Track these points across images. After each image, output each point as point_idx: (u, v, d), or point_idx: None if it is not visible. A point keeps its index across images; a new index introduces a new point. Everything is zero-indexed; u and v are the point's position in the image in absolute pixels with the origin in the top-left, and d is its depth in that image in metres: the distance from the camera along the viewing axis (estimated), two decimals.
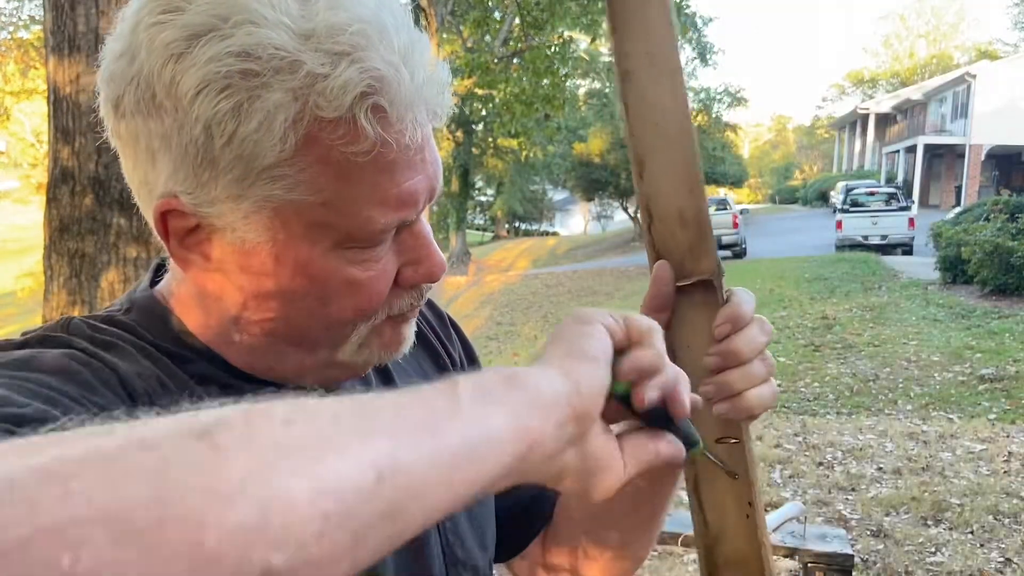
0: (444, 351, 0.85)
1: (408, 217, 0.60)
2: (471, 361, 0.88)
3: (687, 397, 0.55)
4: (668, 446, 0.55)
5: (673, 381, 0.54)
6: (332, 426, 0.36)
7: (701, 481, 0.69)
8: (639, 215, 0.67)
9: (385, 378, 0.77)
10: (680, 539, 2.71)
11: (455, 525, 0.76)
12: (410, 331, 0.68)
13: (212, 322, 0.64)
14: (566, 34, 10.27)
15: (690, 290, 0.66)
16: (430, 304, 0.86)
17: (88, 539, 0.27)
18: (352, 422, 0.37)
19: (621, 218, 36.56)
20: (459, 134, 25.10)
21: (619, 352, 0.53)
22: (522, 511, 0.88)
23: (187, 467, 0.31)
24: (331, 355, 0.65)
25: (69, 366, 0.56)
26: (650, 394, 0.53)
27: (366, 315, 0.63)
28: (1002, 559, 3.73)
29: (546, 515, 0.88)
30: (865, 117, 43.27)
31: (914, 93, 38.56)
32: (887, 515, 4.26)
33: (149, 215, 0.61)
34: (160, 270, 0.71)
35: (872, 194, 21.28)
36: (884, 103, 42.26)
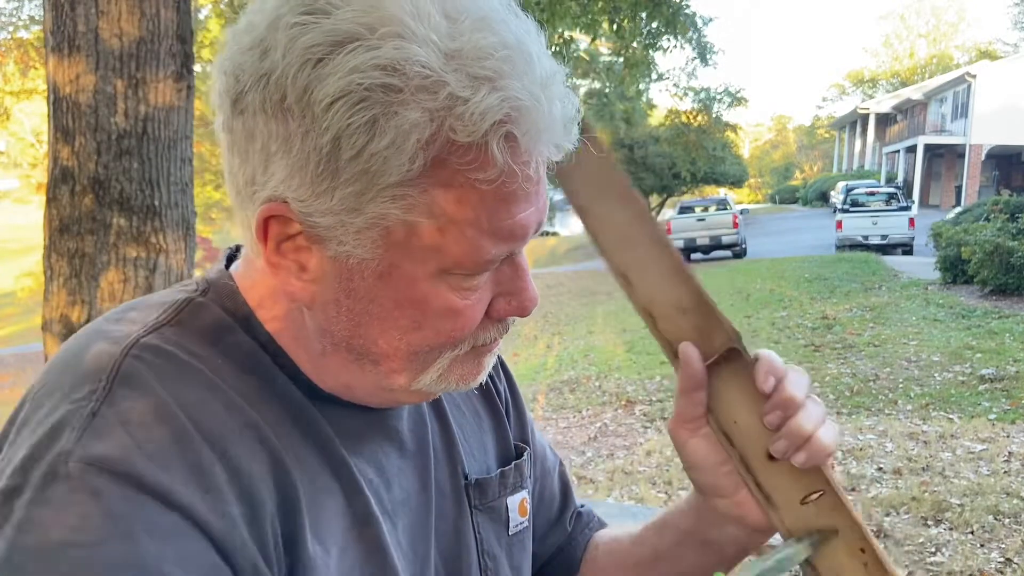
0: (495, 386, 0.84)
1: (516, 248, 0.60)
2: (513, 395, 0.87)
3: None
4: None
5: None
6: None
7: (815, 557, 0.66)
8: (643, 320, 0.68)
9: (435, 404, 0.77)
10: None
11: (497, 567, 0.76)
12: (489, 363, 0.67)
13: (294, 330, 0.62)
14: (566, 34, 10.26)
15: (717, 365, 0.66)
16: None
17: None
18: None
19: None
20: None
21: None
22: (550, 559, 0.90)
23: None
24: (410, 380, 0.62)
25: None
26: None
27: (454, 344, 0.61)
28: (1002, 559, 3.73)
29: (576, 562, 0.89)
30: (865, 117, 43.26)
31: (914, 93, 38.54)
32: (887, 515, 4.26)
33: (248, 215, 0.59)
34: (229, 261, 0.69)
35: (872, 194, 21.28)
36: (884, 103, 42.25)
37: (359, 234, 0.55)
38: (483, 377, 0.66)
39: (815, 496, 0.65)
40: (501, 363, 0.86)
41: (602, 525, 0.93)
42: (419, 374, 0.62)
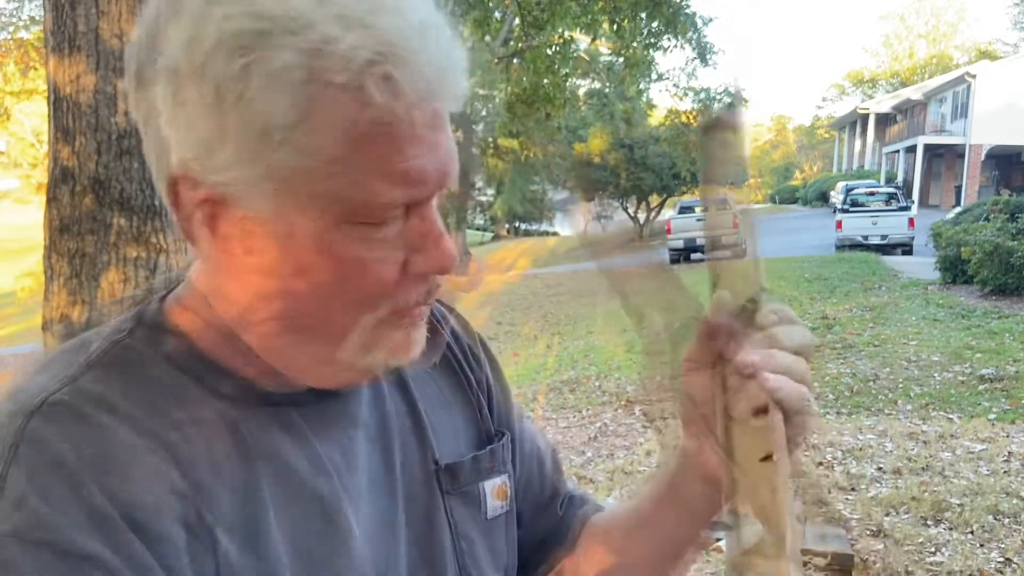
0: (465, 374, 0.84)
1: (415, 196, 0.59)
2: (498, 379, 0.87)
3: None
4: None
5: None
6: None
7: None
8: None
9: (402, 388, 0.77)
10: None
11: (472, 549, 0.76)
12: (419, 336, 0.66)
13: (232, 308, 0.63)
14: (566, 34, 10.26)
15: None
16: (464, 326, 0.86)
17: None
18: None
19: (621, 218, 36.57)
20: (458, 134, 25.08)
21: None
22: (540, 544, 0.89)
23: None
24: (335, 348, 0.63)
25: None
26: None
27: (372, 303, 0.61)
28: (1002, 559, 3.73)
29: (570, 543, 0.89)
30: (865, 117, 43.27)
31: (914, 93, 38.55)
32: (887, 515, 4.26)
33: (163, 189, 0.59)
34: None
35: (872, 194, 21.27)
36: (884, 103, 42.26)
37: (256, 186, 0.56)
38: (416, 351, 0.66)
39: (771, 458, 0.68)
40: (484, 347, 0.87)
41: (598, 508, 0.93)
42: (343, 340, 0.62)
